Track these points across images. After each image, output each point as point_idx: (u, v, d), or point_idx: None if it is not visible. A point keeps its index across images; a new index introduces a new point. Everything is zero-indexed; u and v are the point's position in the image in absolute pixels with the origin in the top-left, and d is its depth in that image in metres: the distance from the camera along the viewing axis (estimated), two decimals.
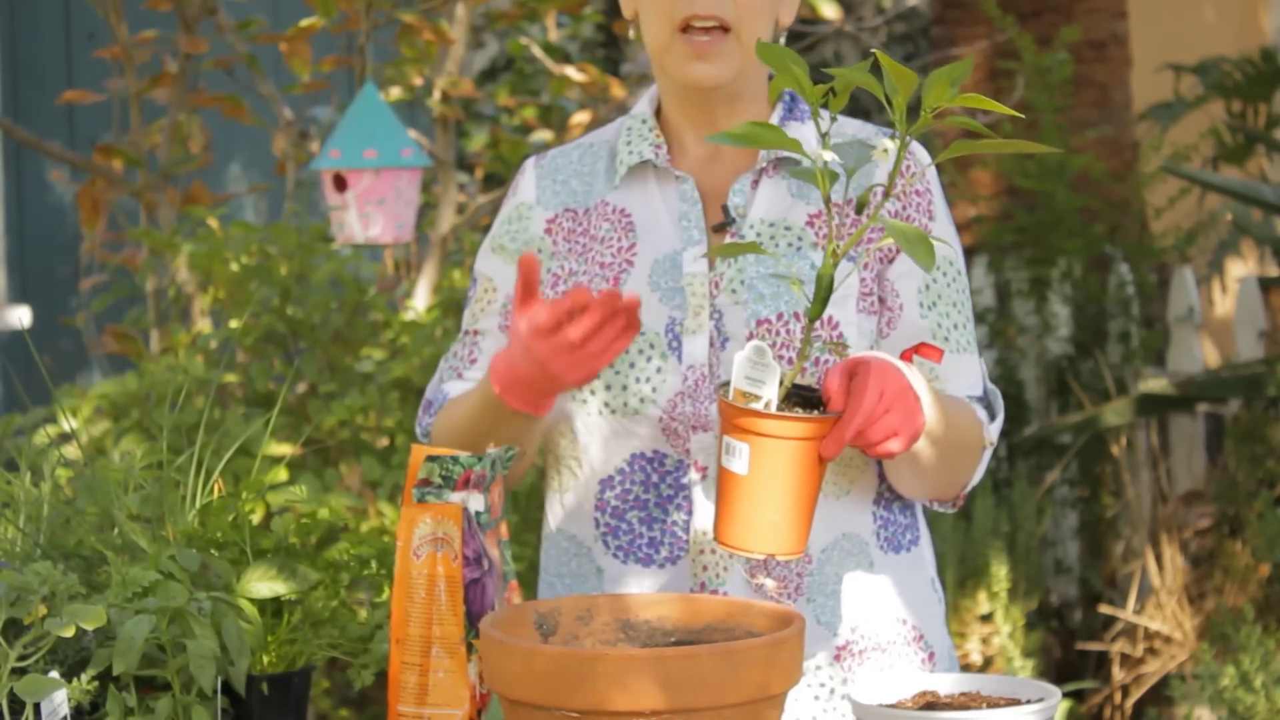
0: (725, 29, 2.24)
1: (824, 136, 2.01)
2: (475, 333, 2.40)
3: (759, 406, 1.99)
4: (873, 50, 1.99)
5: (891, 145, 1.98)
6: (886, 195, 2.01)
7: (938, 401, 2.15)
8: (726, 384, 2.03)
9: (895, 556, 2.35)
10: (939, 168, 5.96)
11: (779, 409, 2.00)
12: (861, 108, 8.91)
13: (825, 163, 1.99)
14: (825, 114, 2.04)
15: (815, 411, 2.02)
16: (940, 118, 1.95)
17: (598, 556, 2.33)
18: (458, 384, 2.38)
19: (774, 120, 2.34)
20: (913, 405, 2.04)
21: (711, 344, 2.27)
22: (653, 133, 2.35)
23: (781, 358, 2.21)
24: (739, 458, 2.00)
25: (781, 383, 2.01)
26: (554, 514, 2.39)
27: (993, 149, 1.97)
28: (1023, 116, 2.07)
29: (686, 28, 2.25)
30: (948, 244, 2.24)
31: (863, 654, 2.31)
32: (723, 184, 2.34)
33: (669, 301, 2.28)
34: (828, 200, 2.00)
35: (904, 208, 2.30)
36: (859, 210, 2.06)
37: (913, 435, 2.04)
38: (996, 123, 5.60)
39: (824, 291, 2.02)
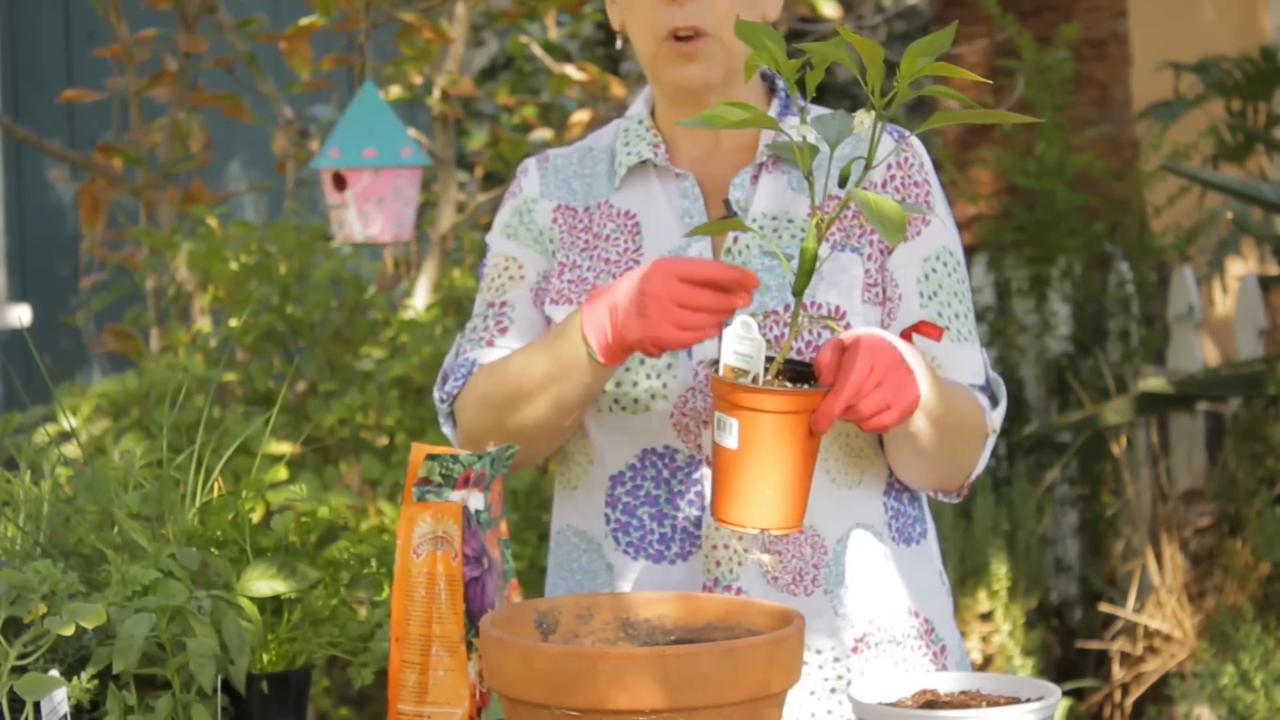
0: (706, 34, 2.26)
1: (802, 111, 2.03)
2: (503, 304, 2.36)
3: (747, 381, 2.00)
4: (836, 26, 2.00)
5: (868, 117, 2.00)
6: (867, 168, 2.02)
7: (935, 380, 2.16)
8: (717, 361, 2.04)
9: (906, 549, 2.35)
10: (938, 165, 5.96)
11: (769, 384, 2.01)
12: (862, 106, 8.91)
13: (805, 139, 2.00)
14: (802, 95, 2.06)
15: (806, 385, 2.03)
16: (920, 83, 1.96)
17: (608, 552, 2.33)
18: (488, 351, 2.35)
19: (771, 114, 2.35)
20: (905, 379, 2.05)
21: (720, 338, 2.27)
22: (650, 133, 2.36)
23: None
24: (730, 433, 2.01)
25: (773, 358, 2.02)
26: (563, 510, 2.39)
27: (973, 119, 1.98)
28: (989, 82, 2.09)
29: (672, 36, 2.27)
30: (941, 220, 2.25)
31: (878, 647, 2.32)
32: (722, 180, 2.34)
33: None
34: (809, 175, 2.01)
35: (903, 200, 2.31)
36: (841, 184, 2.07)
37: (905, 409, 2.05)
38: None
39: (808, 265, 2.03)
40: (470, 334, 2.38)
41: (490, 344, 2.35)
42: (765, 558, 2.27)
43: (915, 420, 2.14)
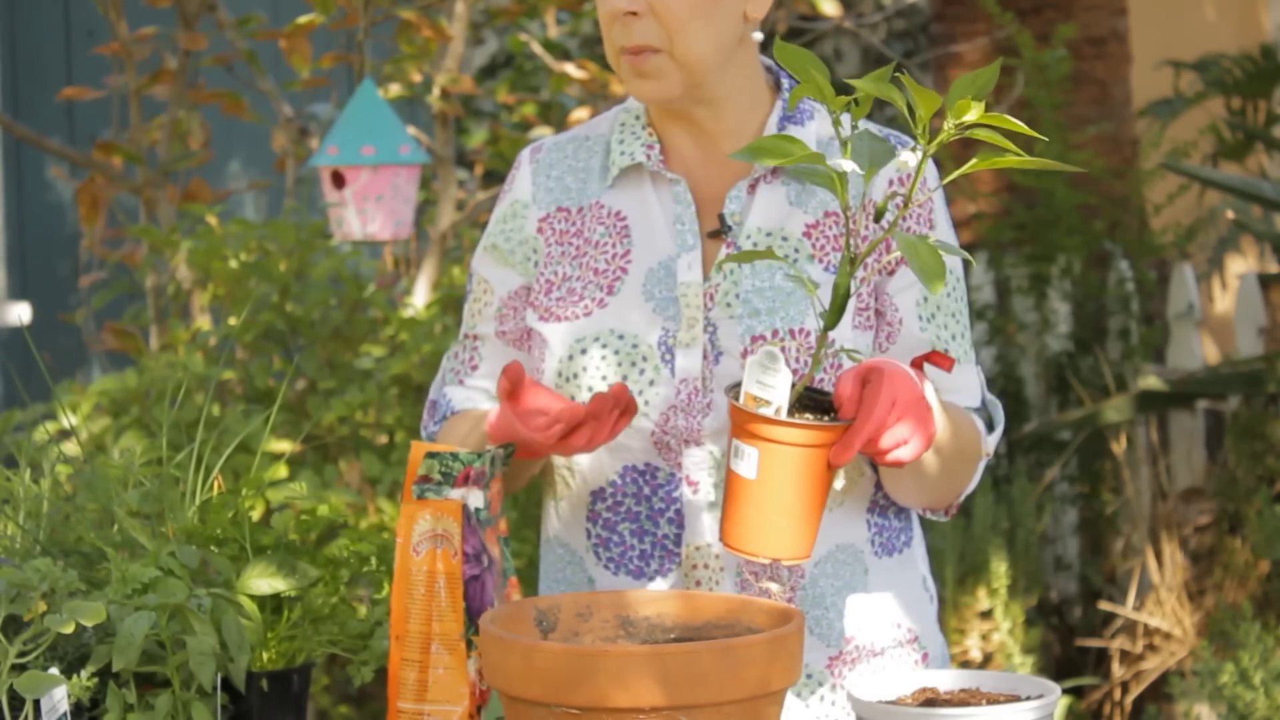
0: (657, 51, 2.24)
1: (844, 145, 1.99)
2: (475, 337, 2.39)
3: (769, 412, 1.98)
4: (895, 62, 1.98)
5: (912, 157, 1.97)
6: (905, 205, 1.99)
7: (946, 411, 2.14)
8: (737, 386, 2.02)
9: (889, 559, 2.34)
10: (939, 164, 5.98)
11: (789, 414, 1.99)
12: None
13: (845, 172, 1.98)
14: (845, 121, 2.03)
15: (826, 417, 2.01)
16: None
17: (589, 567, 2.32)
18: (460, 391, 2.38)
19: (771, 122, 2.31)
20: (925, 415, 2.02)
21: (705, 357, 2.25)
22: (645, 131, 2.33)
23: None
24: (747, 462, 1.99)
25: (793, 387, 2.00)
26: (550, 522, 2.39)
27: (1016, 165, 1.95)
28: (1045, 139, 2.06)
29: (625, 52, 2.26)
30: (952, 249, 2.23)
31: (855, 661, 2.31)
32: (717, 187, 2.31)
33: (663, 312, 2.26)
34: (845, 207, 1.98)
35: (904, 217, 2.27)
36: (877, 218, 2.04)
37: (923, 445, 2.03)
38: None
39: (840, 300, 2.00)
40: (451, 360, 2.42)
41: (462, 382, 2.39)
42: (774, 586, 2.26)
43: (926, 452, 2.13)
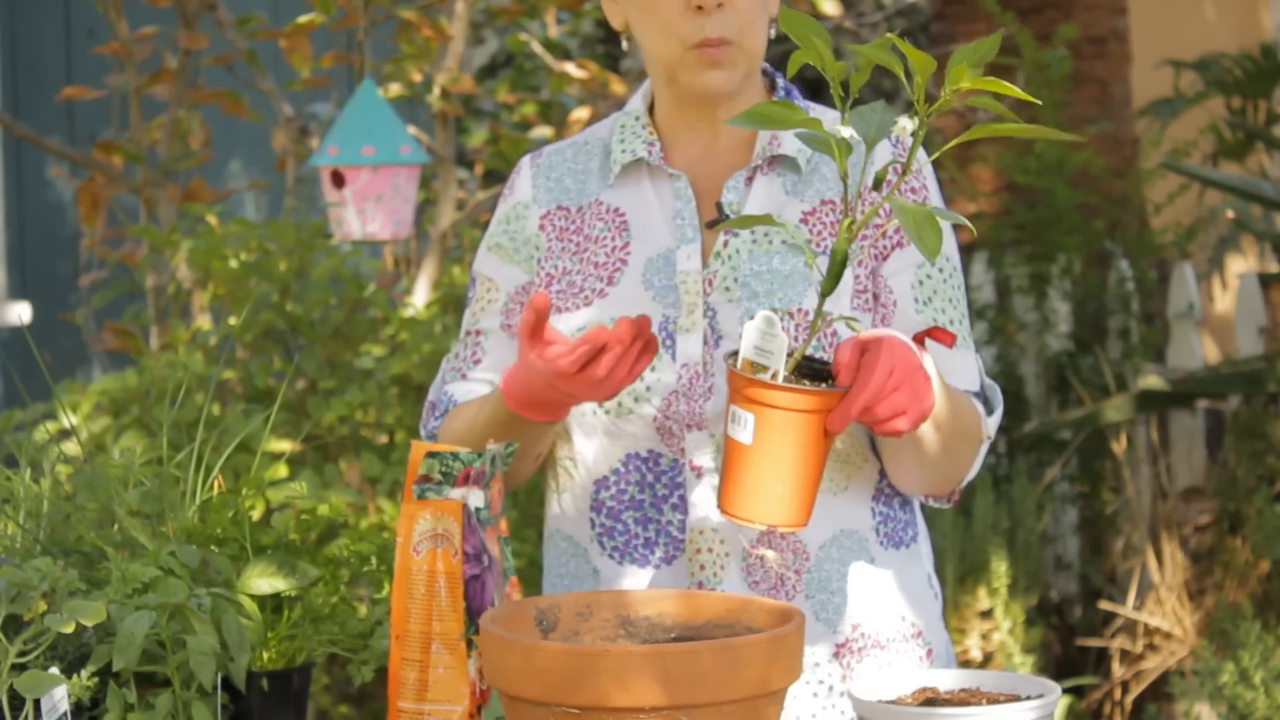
0: (730, 42, 2.27)
1: (843, 112, 2.01)
2: (477, 333, 2.40)
3: (766, 377, 1.99)
4: (890, 35, 1.98)
5: (910, 123, 1.98)
6: (904, 172, 2.00)
7: (945, 386, 2.15)
8: (735, 353, 2.02)
9: (895, 552, 2.34)
10: (938, 164, 5.96)
11: (787, 381, 2.00)
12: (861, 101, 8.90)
13: (843, 139, 1.98)
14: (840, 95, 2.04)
15: (824, 384, 2.02)
16: (960, 98, 1.95)
17: (594, 557, 2.33)
18: (462, 385, 2.38)
19: None
20: (922, 385, 2.03)
21: (706, 342, 2.26)
22: (646, 130, 2.35)
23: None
24: (744, 427, 1.99)
25: (791, 354, 2.01)
26: (552, 515, 2.39)
27: (1013, 133, 1.96)
28: (1039, 103, 2.07)
29: (701, 44, 2.27)
30: (948, 214, 2.23)
31: (861, 651, 2.31)
32: (716, 181, 2.33)
33: (663, 300, 2.28)
34: (844, 175, 1.99)
35: (898, 192, 2.28)
36: (875, 186, 2.05)
37: (920, 415, 2.04)
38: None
39: (838, 266, 2.01)
40: (452, 360, 2.42)
41: (465, 377, 2.39)
42: (770, 554, 2.26)
43: (923, 427, 2.13)
